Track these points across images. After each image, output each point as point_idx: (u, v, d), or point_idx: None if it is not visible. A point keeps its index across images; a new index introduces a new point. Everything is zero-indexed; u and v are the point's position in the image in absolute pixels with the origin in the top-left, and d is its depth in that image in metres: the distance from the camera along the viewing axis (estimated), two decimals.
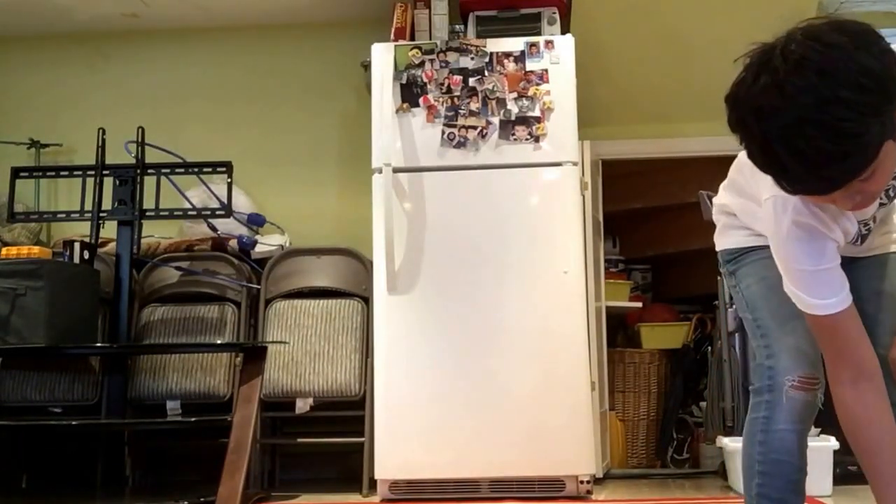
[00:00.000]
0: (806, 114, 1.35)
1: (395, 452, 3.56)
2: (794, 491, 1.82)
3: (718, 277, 3.95)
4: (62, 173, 4.15)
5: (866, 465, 1.64)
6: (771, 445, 1.80)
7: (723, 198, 1.99)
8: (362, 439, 3.78)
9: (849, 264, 1.88)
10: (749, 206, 1.87)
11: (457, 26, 3.88)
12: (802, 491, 1.85)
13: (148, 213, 3.88)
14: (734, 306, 3.82)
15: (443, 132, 3.71)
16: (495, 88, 3.72)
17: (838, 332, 1.67)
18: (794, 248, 1.65)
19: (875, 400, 1.65)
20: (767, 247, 1.80)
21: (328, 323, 3.97)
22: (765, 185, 1.65)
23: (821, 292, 1.65)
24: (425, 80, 3.75)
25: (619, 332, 5.12)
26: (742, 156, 1.84)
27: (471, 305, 3.61)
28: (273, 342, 3.85)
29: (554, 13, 3.87)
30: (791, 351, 1.79)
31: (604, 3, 4.26)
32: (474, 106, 3.71)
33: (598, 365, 4.01)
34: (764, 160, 1.45)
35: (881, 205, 1.79)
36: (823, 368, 1.78)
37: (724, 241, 1.98)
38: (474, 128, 3.70)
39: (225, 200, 3.85)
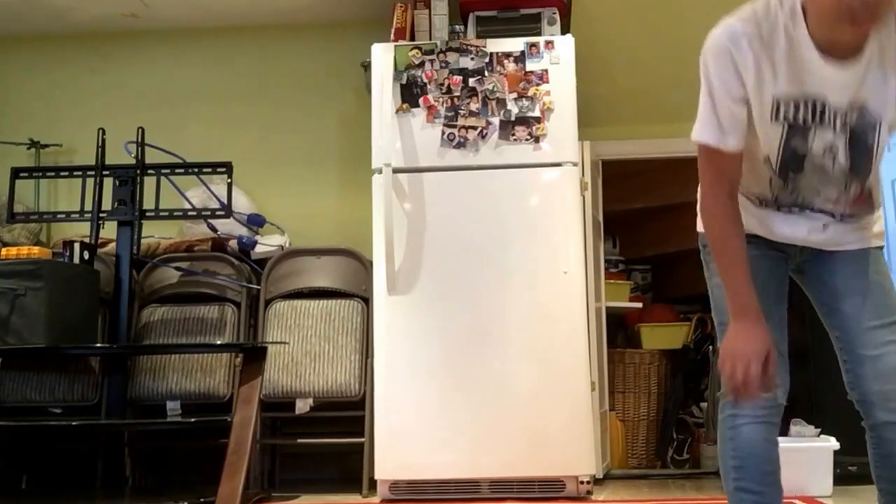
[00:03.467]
0: None
1: (395, 453, 3.55)
2: (770, 483, 1.85)
3: None
4: (62, 174, 4.16)
5: (717, 253, 1.86)
6: (741, 440, 1.85)
7: None
8: (362, 440, 3.77)
9: (819, 255, 1.89)
10: None
11: (457, 26, 3.87)
12: (778, 483, 1.87)
13: (148, 214, 3.88)
14: None
15: (443, 132, 3.71)
16: (495, 89, 3.71)
17: (720, 166, 1.83)
18: (718, 60, 1.77)
19: (734, 206, 1.84)
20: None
21: (328, 323, 3.97)
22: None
23: (722, 124, 1.79)
24: (425, 80, 3.75)
25: (619, 332, 5.11)
26: None
27: (471, 306, 3.61)
28: (273, 342, 3.85)
29: (554, 13, 3.87)
30: None
31: (604, 4, 4.26)
32: (474, 106, 3.71)
33: (598, 365, 4.01)
34: None
35: (853, 163, 1.78)
36: (783, 372, 1.83)
37: (700, 223, 2.01)
38: (474, 128, 3.70)
39: (225, 201, 3.86)
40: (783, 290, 1.92)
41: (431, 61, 3.77)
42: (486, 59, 3.75)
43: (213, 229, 4.14)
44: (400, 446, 3.56)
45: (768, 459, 1.85)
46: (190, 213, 4.01)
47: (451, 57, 3.76)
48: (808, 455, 3.49)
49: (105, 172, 3.93)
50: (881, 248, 1.92)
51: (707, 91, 1.81)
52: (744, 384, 1.71)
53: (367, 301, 3.97)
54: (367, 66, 4.00)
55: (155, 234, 4.28)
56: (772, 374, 1.73)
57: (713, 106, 1.79)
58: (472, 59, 3.75)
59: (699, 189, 1.90)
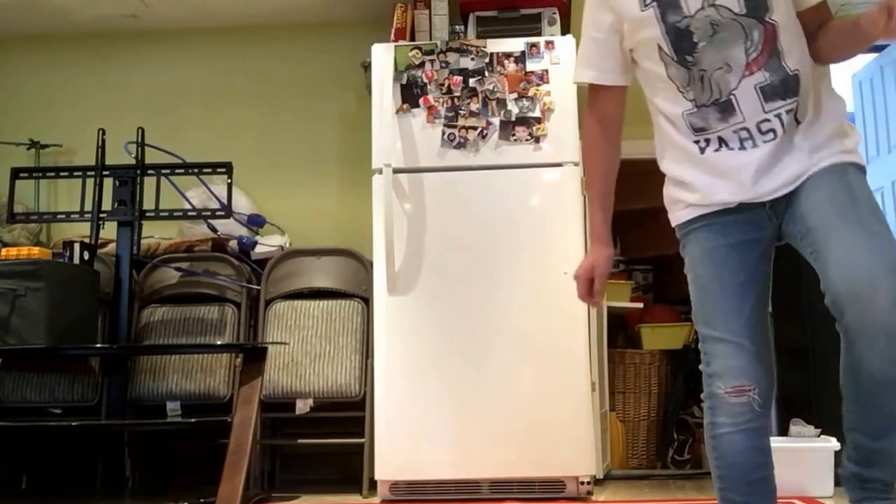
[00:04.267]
0: None
1: (396, 453, 3.55)
2: (757, 491, 1.83)
3: None
4: (62, 174, 4.16)
5: (587, 179, 2.14)
6: (722, 450, 1.84)
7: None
8: (362, 440, 3.77)
9: (790, 203, 1.80)
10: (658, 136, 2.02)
11: (457, 27, 3.87)
12: (767, 490, 1.84)
13: (148, 214, 3.88)
14: None
15: (443, 133, 3.71)
16: (495, 89, 3.71)
17: (591, 96, 2.04)
18: (588, 5, 1.96)
19: (600, 133, 2.06)
20: (698, 222, 1.88)
21: (328, 324, 3.97)
22: None
23: (583, 60, 1.99)
24: (425, 80, 3.75)
25: (619, 332, 5.10)
26: None
27: (471, 306, 3.60)
28: (273, 343, 3.85)
29: (554, 13, 3.87)
30: (721, 360, 1.82)
31: None
32: (474, 106, 3.71)
33: (598, 366, 4.01)
34: None
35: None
36: (760, 371, 1.81)
37: (670, 217, 2.01)
38: (474, 128, 3.70)
39: (225, 201, 3.85)
40: (755, 279, 1.85)
41: (431, 61, 3.77)
42: (487, 60, 3.74)
43: (214, 230, 4.14)
44: (400, 447, 3.56)
45: (753, 467, 1.82)
46: (190, 214, 4.01)
47: (452, 57, 3.76)
48: (808, 455, 3.49)
49: (105, 173, 3.92)
50: (852, 164, 1.81)
51: (583, 37, 1.98)
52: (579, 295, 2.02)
53: (367, 301, 3.97)
54: (367, 67, 4.00)
55: (155, 234, 4.28)
56: (597, 289, 2.00)
57: (584, 47, 1.98)
58: (473, 59, 3.75)
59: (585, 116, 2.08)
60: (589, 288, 2.01)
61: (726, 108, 1.81)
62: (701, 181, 1.87)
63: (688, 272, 1.92)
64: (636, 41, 1.88)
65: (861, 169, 1.83)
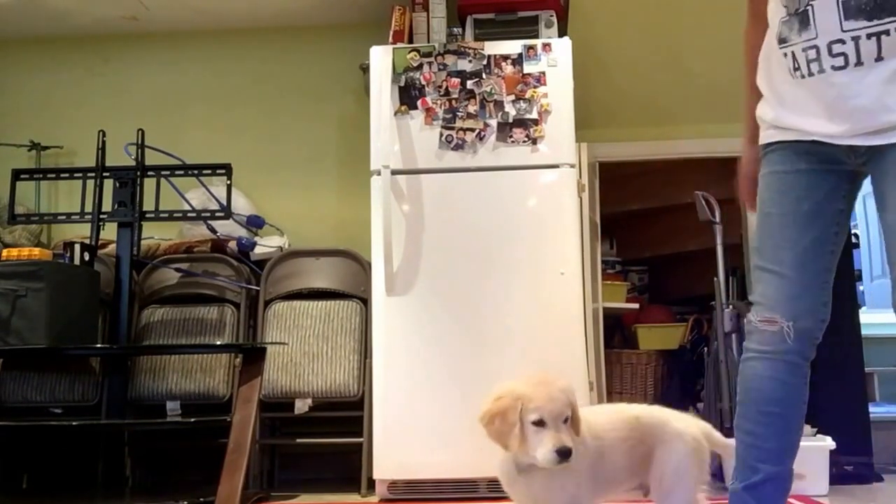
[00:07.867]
0: None
1: (394, 453, 3.57)
2: (766, 423, 1.80)
3: (715, 278, 3.97)
4: (63, 175, 4.18)
5: (747, 74, 1.93)
6: (744, 375, 1.84)
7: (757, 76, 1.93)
8: (361, 439, 3.79)
9: (872, 157, 1.69)
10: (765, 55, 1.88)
11: (455, 29, 3.89)
12: (780, 427, 1.80)
13: (148, 215, 3.90)
14: (731, 307, 3.84)
15: (441, 134, 3.73)
16: (493, 91, 3.74)
17: None
18: None
19: (759, 32, 1.88)
20: (775, 145, 1.82)
21: (327, 324, 3.99)
22: None
23: None
24: (423, 82, 3.77)
25: (616, 333, 5.13)
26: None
27: (468, 306, 3.63)
28: (272, 343, 3.87)
29: (551, 16, 3.89)
30: (761, 289, 1.83)
31: (601, 6, 4.29)
32: (472, 108, 3.73)
33: (595, 366, 4.03)
34: None
35: None
36: (801, 307, 1.77)
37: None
38: (472, 130, 3.72)
39: (224, 202, 3.88)
40: (822, 210, 1.76)
41: (430, 63, 3.79)
42: (484, 62, 3.77)
43: (213, 231, 4.16)
44: (398, 446, 3.57)
45: (769, 398, 1.78)
46: (189, 215, 4.03)
47: (450, 59, 3.79)
48: (804, 454, 3.46)
49: (105, 174, 3.94)
50: None
51: None
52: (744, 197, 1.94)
53: (365, 302, 3.99)
54: (365, 69, 4.02)
55: (155, 235, 4.30)
56: (744, 190, 1.94)
57: None
58: (470, 61, 3.78)
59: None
60: (753, 189, 1.88)
61: (803, 21, 1.68)
62: (784, 104, 1.78)
63: (759, 203, 1.86)
64: None
65: None
